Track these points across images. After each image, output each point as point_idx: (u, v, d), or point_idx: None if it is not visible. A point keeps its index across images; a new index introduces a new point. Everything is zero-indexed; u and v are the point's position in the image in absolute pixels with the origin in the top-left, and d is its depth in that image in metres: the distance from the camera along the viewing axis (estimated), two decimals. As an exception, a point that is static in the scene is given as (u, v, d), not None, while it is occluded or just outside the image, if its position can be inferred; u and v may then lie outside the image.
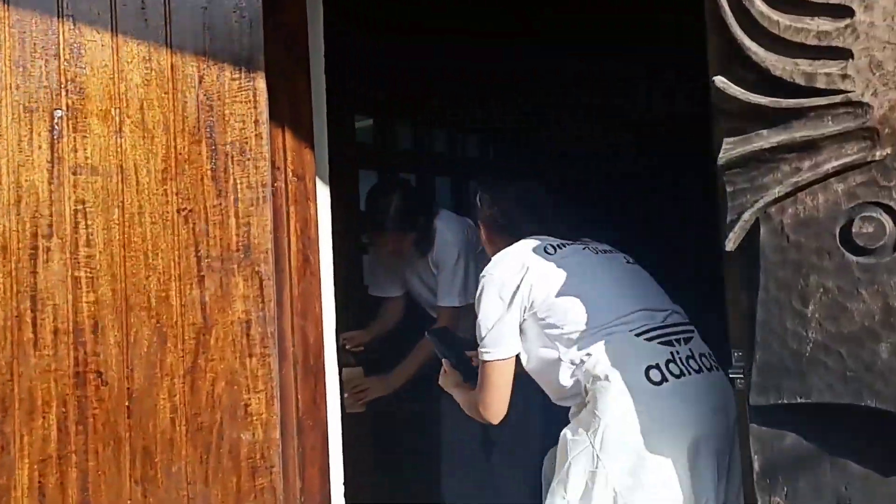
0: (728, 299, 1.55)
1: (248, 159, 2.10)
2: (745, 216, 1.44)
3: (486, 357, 2.03)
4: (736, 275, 1.52)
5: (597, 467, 1.86)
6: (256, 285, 2.10)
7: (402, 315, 3.15)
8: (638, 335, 1.95)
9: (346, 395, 2.82)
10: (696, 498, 1.83)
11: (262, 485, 2.09)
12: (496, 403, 2.04)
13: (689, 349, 1.97)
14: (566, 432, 1.98)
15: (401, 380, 2.91)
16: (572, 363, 1.95)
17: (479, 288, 2.08)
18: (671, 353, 1.93)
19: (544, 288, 2.00)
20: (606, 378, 1.89)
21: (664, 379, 1.89)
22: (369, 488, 3.16)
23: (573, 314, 1.97)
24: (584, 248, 2.13)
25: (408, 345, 2.99)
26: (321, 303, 2.26)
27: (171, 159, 2.08)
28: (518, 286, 2.01)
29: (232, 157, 2.10)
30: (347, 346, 2.91)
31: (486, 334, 2.03)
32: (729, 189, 1.47)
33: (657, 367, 1.90)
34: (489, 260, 2.16)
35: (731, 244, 1.45)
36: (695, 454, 1.85)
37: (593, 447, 1.87)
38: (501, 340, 2.01)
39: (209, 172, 2.09)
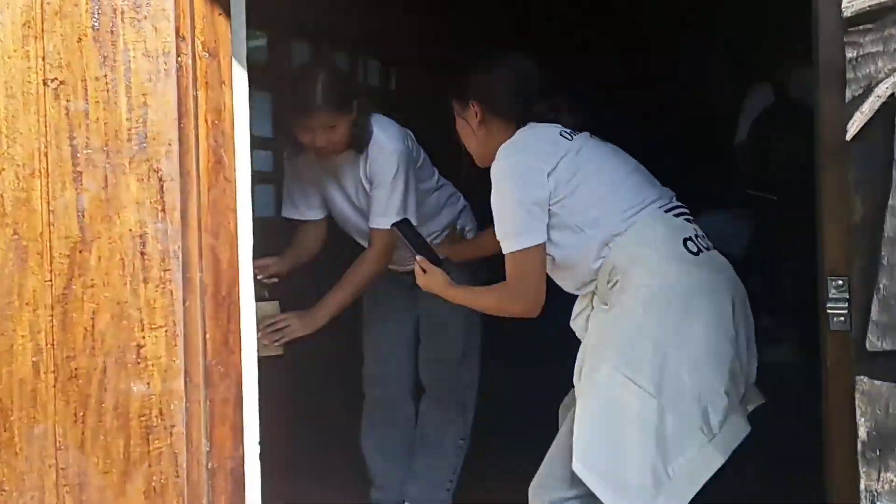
0: (824, 209, 1.12)
1: (145, 17, 1.50)
2: (879, 91, 1.00)
3: (517, 246, 1.85)
4: (840, 175, 1.09)
5: (646, 332, 1.79)
6: (155, 188, 1.53)
7: (323, 243, 2.60)
8: (667, 212, 1.91)
9: (258, 335, 2.28)
10: (737, 354, 1.81)
11: (159, 449, 1.54)
12: (535, 293, 1.86)
13: (699, 228, 1.96)
14: (594, 321, 1.88)
15: (326, 316, 2.36)
16: (604, 243, 1.86)
17: (498, 177, 1.87)
18: (693, 228, 1.92)
19: (569, 172, 1.88)
20: (646, 251, 1.84)
21: (699, 250, 1.87)
22: (285, 449, 2.66)
23: (601, 197, 1.89)
24: (591, 137, 1.99)
25: (331, 276, 2.46)
26: (237, 218, 1.71)
27: (35, 10, 1.45)
28: (543, 170, 1.86)
29: (122, 14, 1.49)
30: (259, 276, 2.35)
31: (513, 223, 1.86)
32: (851, 54, 1.03)
33: (690, 239, 1.88)
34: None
35: (852, 129, 1.02)
36: (733, 317, 1.84)
37: (638, 316, 1.79)
38: (531, 226, 1.85)
39: (90, 32, 1.48)
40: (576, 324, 1.98)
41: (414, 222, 2.36)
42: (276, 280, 2.39)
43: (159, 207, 1.52)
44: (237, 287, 1.70)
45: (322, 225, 2.55)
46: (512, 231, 1.86)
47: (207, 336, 1.64)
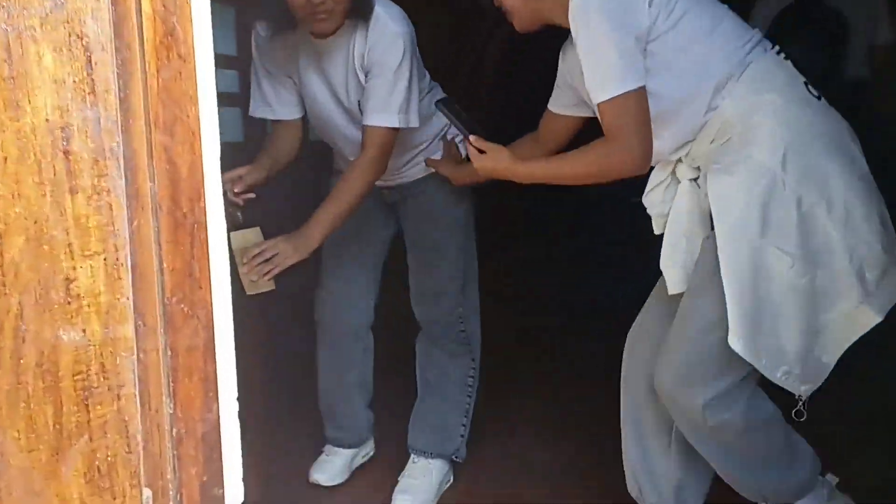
0: None
1: None
2: None
3: (619, 90, 1.57)
4: None
5: (786, 189, 1.54)
6: (80, 61, 1.08)
7: (300, 148, 2.15)
8: (777, 54, 1.69)
9: (244, 269, 1.86)
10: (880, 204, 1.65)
11: (103, 417, 1.13)
12: (645, 142, 1.57)
13: None
14: (712, 185, 1.58)
15: (319, 237, 1.91)
16: (717, 89, 1.60)
17: (585, 15, 1.55)
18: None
19: (668, 3, 1.61)
20: (770, 96, 1.60)
21: (819, 95, 1.67)
22: (262, 401, 2.26)
23: (707, 32, 1.62)
24: None
25: (310, 191, 2.03)
26: (197, 110, 1.27)
27: None
28: (637, 3, 1.58)
29: None
30: (237, 190, 1.91)
31: (610, 64, 1.57)
32: None
33: (806, 83, 1.66)
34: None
35: None
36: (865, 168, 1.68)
37: (774, 172, 1.54)
38: (633, 65, 1.56)
39: None
40: (650, 198, 1.77)
41: (416, 124, 1.94)
42: (252, 196, 1.95)
43: (87, 89, 1.07)
44: (202, 201, 1.26)
45: (298, 126, 2.12)
46: (611, 73, 1.59)
47: (165, 266, 1.21)
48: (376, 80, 1.90)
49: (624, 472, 2.06)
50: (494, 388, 2.70)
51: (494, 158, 1.74)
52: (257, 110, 2.09)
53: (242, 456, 1.42)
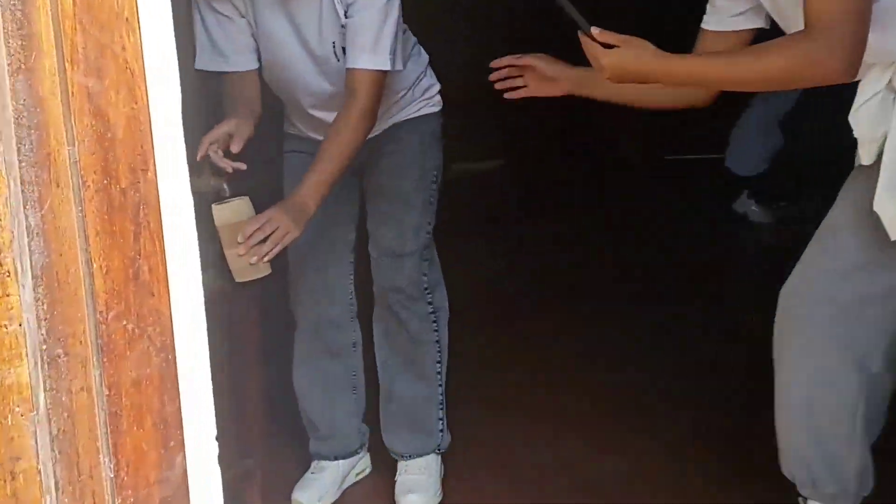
0: None
1: None
2: None
3: None
4: None
5: None
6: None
7: (261, 100, 1.78)
8: None
9: (240, 250, 1.48)
10: None
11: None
12: (861, 41, 1.25)
13: None
14: None
15: (316, 203, 1.58)
16: None
17: None
18: None
19: None
20: None
21: None
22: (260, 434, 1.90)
23: None
24: None
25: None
26: (139, 37, 0.87)
27: None
28: None
29: None
30: (233, 150, 1.54)
31: None
32: None
33: None
34: None
35: None
36: None
37: None
38: None
39: None
40: (859, 117, 1.40)
41: (401, 68, 1.65)
42: (243, 166, 1.56)
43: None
44: (151, 169, 0.88)
45: (257, 79, 1.76)
46: None
47: (95, 266, 0.85)
48: (362, 16, 1.60)
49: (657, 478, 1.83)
50: (519, 387, 2.38)
51: (634, 53, 1.33)
52: (205, 61, 1.69)
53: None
